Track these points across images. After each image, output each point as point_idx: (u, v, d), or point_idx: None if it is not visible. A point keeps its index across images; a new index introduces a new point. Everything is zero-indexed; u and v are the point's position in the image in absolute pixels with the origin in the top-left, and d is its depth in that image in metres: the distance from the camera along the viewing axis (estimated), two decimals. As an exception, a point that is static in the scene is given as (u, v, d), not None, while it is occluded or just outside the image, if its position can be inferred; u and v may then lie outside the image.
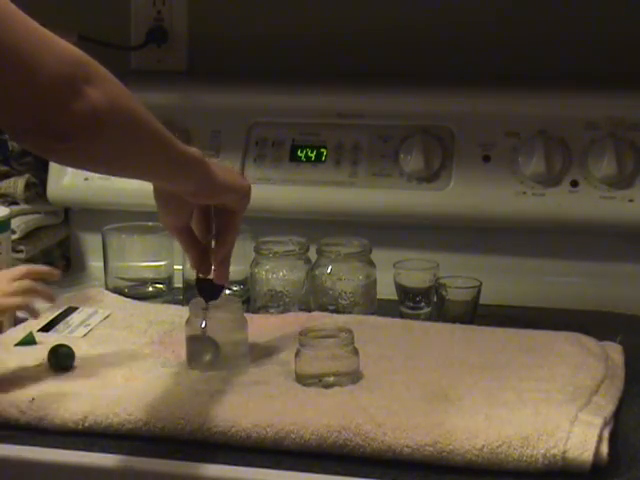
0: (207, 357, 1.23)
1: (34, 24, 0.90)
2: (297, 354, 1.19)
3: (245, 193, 1.21)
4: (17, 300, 1.29)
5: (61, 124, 0.90)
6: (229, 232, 1.22)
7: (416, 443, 1.04)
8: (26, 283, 1.30)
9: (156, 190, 1.17)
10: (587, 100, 1.56)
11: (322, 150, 1.63)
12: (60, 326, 1.39)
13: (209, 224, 1.22)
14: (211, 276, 1.23)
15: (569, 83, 1.61)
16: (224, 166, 1.21)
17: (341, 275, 1.46)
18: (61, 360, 1.24)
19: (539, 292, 1.58)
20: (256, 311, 1.48)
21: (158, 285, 1.56)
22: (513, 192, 1.55)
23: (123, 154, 1.00)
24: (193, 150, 1.11)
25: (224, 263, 1.23)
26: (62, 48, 0.91)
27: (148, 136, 1.02)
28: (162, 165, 1.07)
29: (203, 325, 1.23)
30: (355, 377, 1.18)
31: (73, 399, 1.15)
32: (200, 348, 1.24)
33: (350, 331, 1.20)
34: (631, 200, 1.51)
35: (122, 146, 0.98)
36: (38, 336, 1.34)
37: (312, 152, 1.63)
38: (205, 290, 1.24)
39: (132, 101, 0.99)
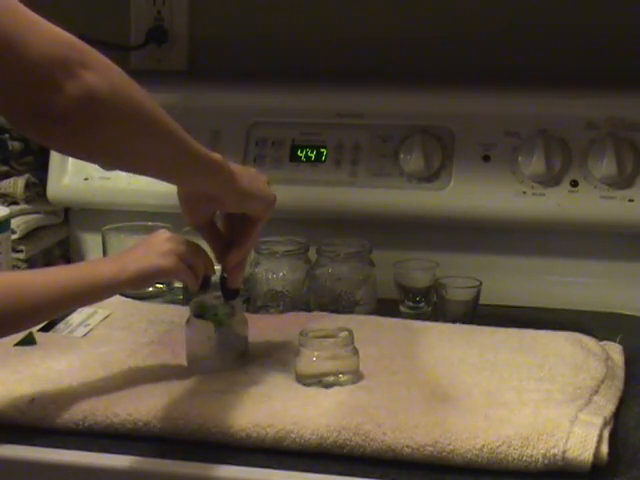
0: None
1: (22, 8, 0.90)
2: (297, 354, 1.19)
3: (270, 203, 1.20)
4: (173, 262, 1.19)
5: (56, 105, 0.89)
6: (247, 239, 1.21)
7: (416, 443, 1.04)
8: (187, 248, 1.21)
9: (179, 189, 1.17)
10: (587, 100, 1.56)
11: (322, 150, 1.63)
12: (60, 326, 1.39)
13: (234, 222, 1.22)
14: None
15: (569, 83, 1.61)
16: (249, 173, 1.19)
17: (341, 275, 1.46)
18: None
19: (539, 292, 1.58)
20: (256, 311, 1.48)
21: (158, 285, 1.56)
22: (513, 192, 1.55)
23: (127, 145, 0.98)
24: (214, 154, 1.10)
25: (237, 268, 1.23)
26: (52, 31, 0.90)
27: (156, 129, 1.00)
28: (175, 163, 1.06)
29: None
30: (355, 377, 1.18)
31: (73, 399, 1.15)
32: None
33: (350, 331, 1.20)
34: (631, 200, 1.51)
35: (125, 135, 0.96)
36: (38, 336, 1.34)
37: (312, 152, 1.63)
38: (226, 289, 1.24)
39: (138, 92, 0.97)
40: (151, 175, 1.08)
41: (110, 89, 0.92)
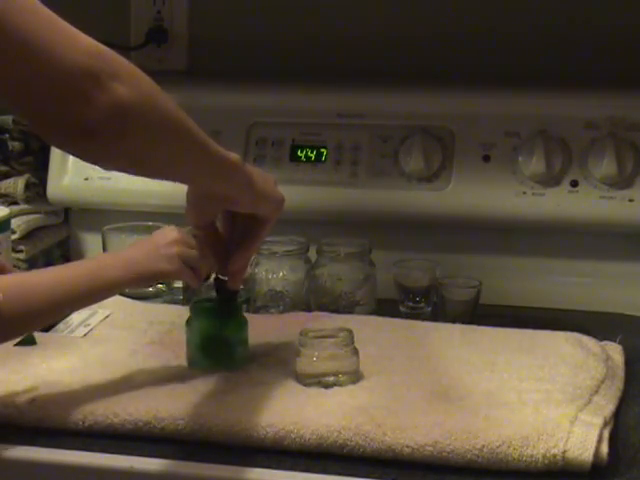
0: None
1: (54, 16, 0.88)
2: (297, 354, 1.19)
3: (280, 204, 1.20)
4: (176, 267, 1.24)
5: (85, 118, 0.87)
6: (254, 240, 1.21)
7: (416, 443, 1.04)
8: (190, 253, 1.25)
9: (190, 187, 1.16)
10: (587, 100, 1.56)
11: (322, 150, 1.63)
12: (60, 326, 1.39)
13: (235, 224, 1.21)
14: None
15: (569, 83, 1.61)
16: (262, 174, 1.19)
17: (341, 275, 1.46)
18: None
19: (539, 292, 1.58)
20: (256, 311, 1.48)
21: (158, 285, 1.56)
22: (513, 192, 1.55)
23: (154, 153, 0.97)
24: (233, 155, 1.10)
25: (241, 271, 1.23)
26: (82, 40, 0.89)
27: (181, 135, 1.00)
28: (197, 167, 1.05)
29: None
30: (355, 377, 1.18)
31: (73, 399, 1.15)
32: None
33: (350, 331, 1.20)
34: (631, 200, 1.51)
35: (153, 145, 0.95)
36: (38, 336, 1.34)
37: (312, 152, 1.63)
38: (222, 291, 1.24)
39: (165, 100, 0.97)
40: (172, 179, 1.07)
41: (139, 100, 0.91)
